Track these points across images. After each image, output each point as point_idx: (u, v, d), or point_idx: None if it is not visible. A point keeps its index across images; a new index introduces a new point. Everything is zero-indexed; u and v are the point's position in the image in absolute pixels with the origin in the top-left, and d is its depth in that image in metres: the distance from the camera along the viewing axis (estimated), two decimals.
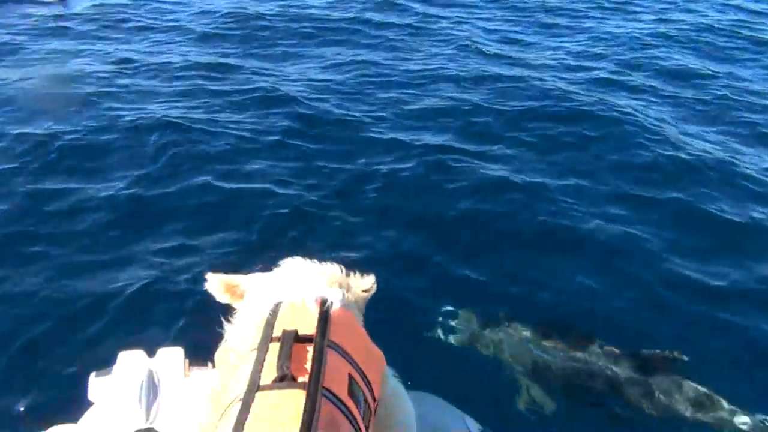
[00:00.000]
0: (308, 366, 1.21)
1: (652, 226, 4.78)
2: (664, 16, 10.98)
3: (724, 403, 3.20)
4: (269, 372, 1.20)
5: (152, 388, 1.69)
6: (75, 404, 1.73)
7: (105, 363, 1.74)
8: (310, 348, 1.26)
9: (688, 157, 5.85)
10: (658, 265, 4.34)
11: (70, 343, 3.22)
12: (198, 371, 1.71)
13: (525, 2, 11.47)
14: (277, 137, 5.78)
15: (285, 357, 1.21)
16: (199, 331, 2.77)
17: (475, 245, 4.50)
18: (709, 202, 5.16)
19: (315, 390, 1.15)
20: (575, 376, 3.32)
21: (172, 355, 1.73)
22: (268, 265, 1.61)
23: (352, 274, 1.64)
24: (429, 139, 5.96)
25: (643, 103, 7.16)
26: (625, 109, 6.76)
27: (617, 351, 3.42)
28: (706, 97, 7.50)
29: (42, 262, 3.87)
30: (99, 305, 3.52)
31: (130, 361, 1.74)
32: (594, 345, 3.45)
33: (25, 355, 3.18)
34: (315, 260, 1.60)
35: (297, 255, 1.60)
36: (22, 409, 2.82)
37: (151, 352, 1.76)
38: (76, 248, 4.05)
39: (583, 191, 5.23)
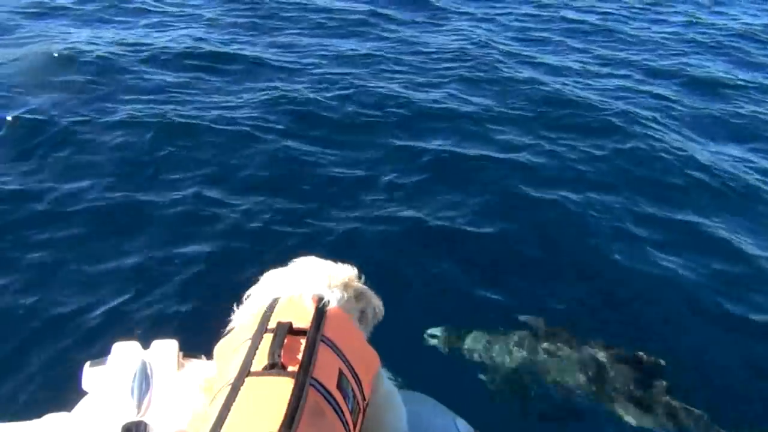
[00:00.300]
0: (299, 357, 1.35)
1: (667, 249, 4.85)
2: (693, 19, 11.06)
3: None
4: (261, 360, 1.34)
5: (145, 380, 1.81)
6: (70, 393, 1.86)
7: (100, 353, 1.88)
8: (303, 340, 1.39)
9: (713, 178, 5.91)
10: (672, 289, 4.44)
11: (66, 333, 3.41)
12: (192, 363, 1.84)
13: (553, 3, 11.54)
14: (278, 136, 5.86)
15: (277, 346, 1.35)
16: (195, 324, 2.93)
17: (482, 257, 4.62)
18: (734, 230, 5.19)
19: (303, 378, 1.28)
20: (571, 387, 3.47)
21: (166, 348, 1.87)
22: (265, 269, 1.73)
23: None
24: (438, 143, 6.07)
25: (669, 116, 7.23)
26: (649, 123, 6.84)
27: (618, 364, 3.56)
28: (737, 110, 7.56)
29: (38, 255, 4.04)
30: (95, 297, 3.70)
31: (125, 352, 1.87)
32: (595, 357, 3.59)
33: (22, 344, 3.36)
34: (329, 260, 1.74)
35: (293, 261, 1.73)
36: (17, 397, 3.00)
37: (145, 344, 1.89)
38: (70, 243, 4.20)
39: (600, 207, 5.31)
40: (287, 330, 1.40)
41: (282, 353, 1.34)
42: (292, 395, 1.24)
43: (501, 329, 3.78)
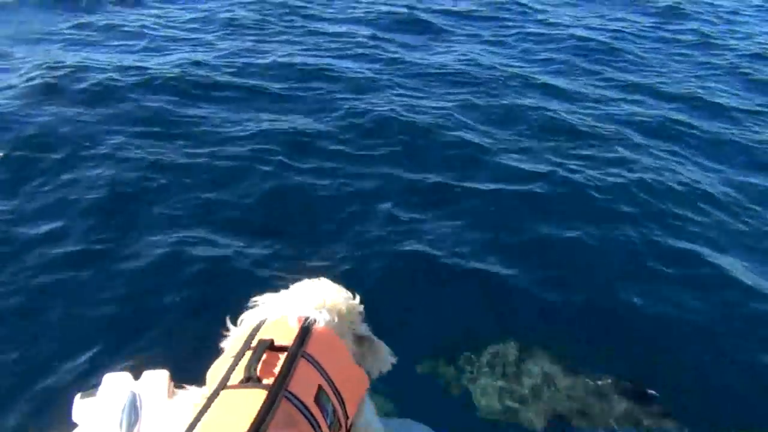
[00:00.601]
0: (276, 370, 1.47)
1: (679, 283, 4.90)
2: (705, 39, 11.22)
3: None
4: (238, 374, 1.47)
5: (134, 412, 1.92)
6: (61, 425, 1.96)
7: (91, 384, 1.99)
8: (283, 356, 1.52)
9: (728, 210, 5.96)
10: (684, 325, 4.52)
11: (58, 364, 3.58)
12: (183, 392, 1.95)
13: (561, 21, 11.71)
14: (276, 168, 5.92)
15: (254, 360, 1.48)
16: (189, 355, 3.04)
17: (486, 288, 4.73)
18: (752, 265, 5.20)
19: (277, 390, 1.40)
20: (574, 421, 3.56)
21: (157, 378, 1.98)
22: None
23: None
24: (443, 171, 6.17)
25: (684, 143, 7.33)
26: (662, 152, 6.93)
27: (626, 400, 3.66)
28: (754, 136, 7.60)
29: (27, 295, 4.20)
30: (87, 330, 3.88)
31: (115, 384, 1.98)
32: (604, 394, 3.68)
33: (13, 379, 3.52)
34: (334, 283, 1.89)
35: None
36: (9, 429, 3.10)
37: (137, 375, 2.00)
38: (61, 278, 4.36)
39: (610, 240, 5.35)
40: (267, 346, 1.53)
41: (260, 367, 1.47)
42: (263, 405, 1.35)
43: (501, 360, 3.88)
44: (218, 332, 1.85)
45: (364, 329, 1.92)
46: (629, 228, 5.54)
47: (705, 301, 4.76)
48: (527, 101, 7.98)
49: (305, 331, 1.61)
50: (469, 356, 3.96)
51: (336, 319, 1.74)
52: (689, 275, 5.01)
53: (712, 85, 9.13)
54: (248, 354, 1.52)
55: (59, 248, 4.64)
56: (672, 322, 4.52)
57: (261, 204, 5.43)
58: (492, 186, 5.99)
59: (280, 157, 6.08)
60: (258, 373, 1.45)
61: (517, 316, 4.45)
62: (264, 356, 1.50)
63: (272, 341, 1.55)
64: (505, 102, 7.91)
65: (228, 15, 10.48)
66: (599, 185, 6.16)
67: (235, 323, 1.80)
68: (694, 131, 7.64)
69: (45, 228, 4.83)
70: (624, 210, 5.80)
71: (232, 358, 1.53)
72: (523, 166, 6.40)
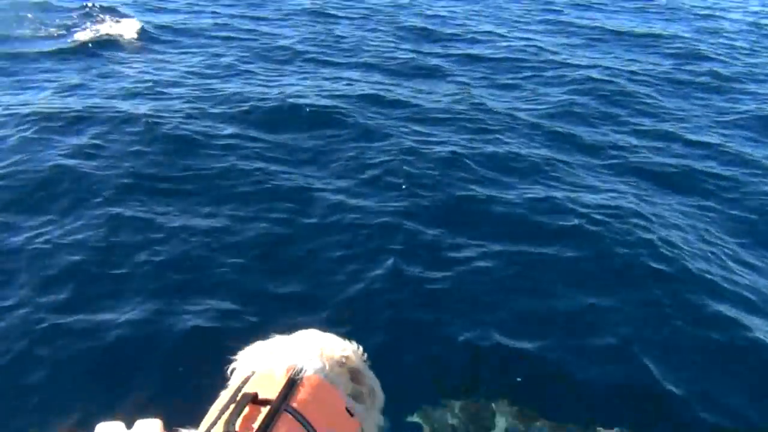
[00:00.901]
0: (257, 426, 1.54)
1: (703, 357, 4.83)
2: (726, 83, 11.34)
3: None
4: (219, 430, 1.55)
5: None
6: None
7: None
8: (266, 410, 1.59)
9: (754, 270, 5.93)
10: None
11: (50, 414, 3.71)
12: None
13: (576, 63, 11.91)
14: (268, 226, 5.95)
15: (235, 415, 1.55)
16: (183, 405, 3.14)
17: (488, 354, 4.72)
18: None
19: None
20: None
21: (150, 427, 2.07)
22: None
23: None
24: (441, 231, 6.14)
25: (711, 203, 7.24)
26: (688, 213, 6.90)
27: None
28: None
29: (19, 338, 4.39)
30: (79, 379, 4.03)
31: None
32: None
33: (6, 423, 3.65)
34: (330, 334, 1.97)
35: None
36: None
37: (129, 424, 2.09)
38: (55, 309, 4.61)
39: (633, 317, 5.21)
40: (249, 400, 1.61)
41: (240, 422, 1.55)
42: None
43: (509, 423, 3.95)
44: (214, 385, 1.94)
45: (368, 381, 2.00)
46: (653, 287, 5.48)
47: (736, 373, 4.68)
48: (541, 149, 8.12)
49: (291, 383, 1.68)
50: (476, 415, 4.02)
51: (328, 367, 1.81)
52: (720, 341, 4.93)
53: (735, 132, 9.21)
54: (231, 408, 1.58)
55: (52, 306, 4.75)
56: (701, 394, 4.46)
57: (258, 262, 5.48)
58: (503, 240, 6.02)
59: (280, 214, 6.17)
60: (237, 429, 1.51)
61: (526, 379, 4.46)
62: (246, 410, 1.57)
63: (256, 395, 1.61)
64: (517, 149, 8.02)
65: (232, 60, 10.81)
66: (619, 239, 6.10)
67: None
68: (720, 182, 7.65)
69: (35, 284, 4.97)
70: (648, 267, 5.72)
71: (217, 412, 1.61)
72: (537, 218, 6.41)
